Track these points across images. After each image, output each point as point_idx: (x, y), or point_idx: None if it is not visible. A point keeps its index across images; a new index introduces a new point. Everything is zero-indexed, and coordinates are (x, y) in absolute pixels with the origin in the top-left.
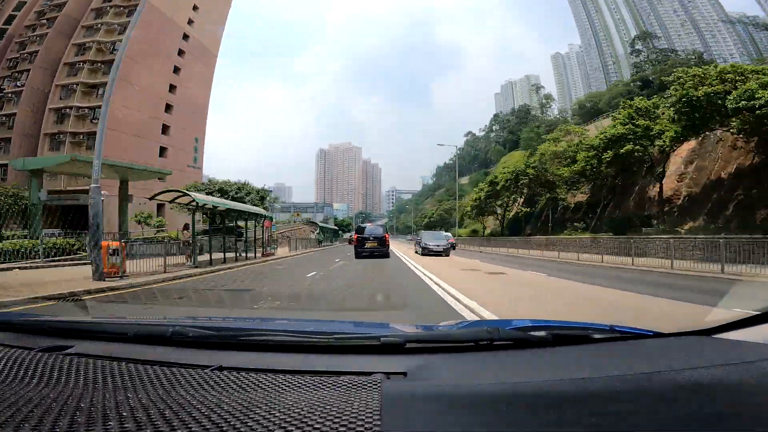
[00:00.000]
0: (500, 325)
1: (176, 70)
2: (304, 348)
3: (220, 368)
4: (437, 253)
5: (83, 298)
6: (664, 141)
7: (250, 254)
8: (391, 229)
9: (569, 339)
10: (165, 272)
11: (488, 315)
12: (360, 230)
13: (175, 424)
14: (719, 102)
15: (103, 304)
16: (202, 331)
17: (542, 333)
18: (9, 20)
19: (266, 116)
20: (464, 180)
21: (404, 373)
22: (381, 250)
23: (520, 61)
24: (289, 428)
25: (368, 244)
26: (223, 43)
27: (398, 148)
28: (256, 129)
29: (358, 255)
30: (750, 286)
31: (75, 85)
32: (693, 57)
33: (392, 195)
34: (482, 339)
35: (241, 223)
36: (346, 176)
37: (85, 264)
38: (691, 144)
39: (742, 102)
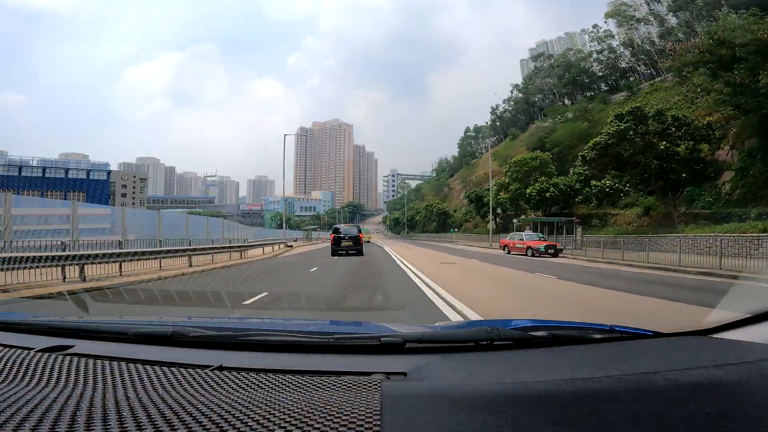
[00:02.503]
0: (500, 325)
1: None
2: (304, 348)
3: (221, 368)
4: None
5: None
6: None
7: None
8: (396, 224)
9: (569, 339)
10: None
11: None
12: (336, 231)
13: (175, 423)
14: None
15: (104, 304)
16: (203, 330)
17: (542, 333)
18: None
19: (255, 110)
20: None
21: (404, 373)
22: (355, 248)
23: (524, 43)
24: (289, 428)
25: (343, 243)
26: (214, 36)
27: (396, 142)
28: (244, 123)
29: (334, 252)
30: (749, 286)
31: None
32: None
33: (393, 181)
34: (482, 339)
35: None
36: (333, 160)
37: None
38: None
39: None
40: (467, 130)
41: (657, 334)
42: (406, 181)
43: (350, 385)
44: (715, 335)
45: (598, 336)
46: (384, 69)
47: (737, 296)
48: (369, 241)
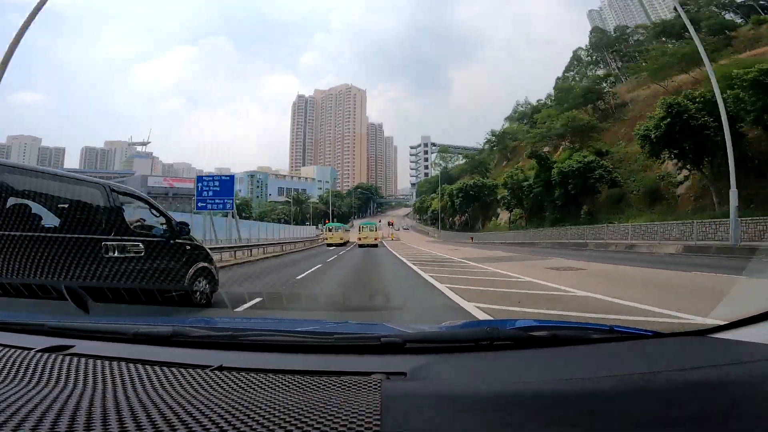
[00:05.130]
0: (500, 324)
1: None
2: (304, 348)
3: (221, 368)
4: None
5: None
6: None
7: None
8: (463, 206)
9: (569, 339)
10: None
11: None
12: None
13: (175, 424)
14: None
15: (104, 304)
16: (202, 331)
17: (542, 333)
18: None
19: (266, 108)
20: None
21: (404, 373)
22: None
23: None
24: (289, 428)
25: None
26: (223, 32)
27: (416, 137)
28: (254, 121)
29: None
30: (750, 285)
31: None
32: None
33: (424, 153)
34: (482, 339)
35: None
36: (341, 134)
37: None
38: None
39: None
40: (595, 29)
41: (657, 334)
42: (448, 155)
43: (350, 385)
44: (715, 335)
45: (598, 336)
46: (404, 61)
47: (737, 296)
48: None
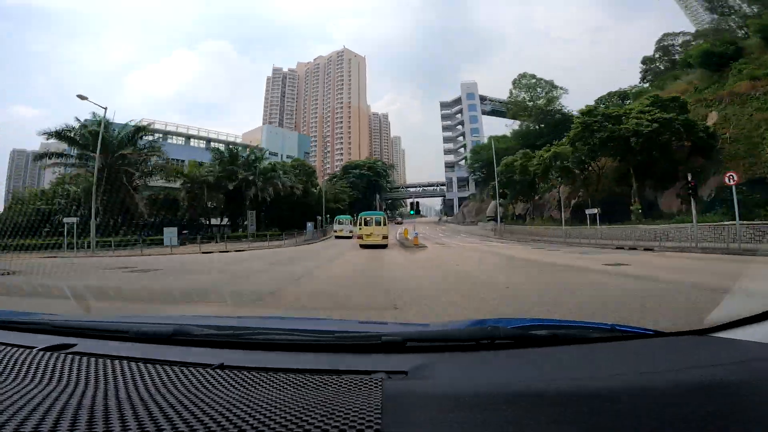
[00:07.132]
0: (501, 323)
1: None
2: (305, 347)
3: (222, 367)
4: None
5: None
6: None
7: None
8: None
9: (569, 338)
10: None
11: None
12: None
13: (176, 422)
14: None
15: (105, 302)
16: (204, 329)
17: (543, 332)
18: None
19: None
20: None
21: (405, 372)
22: None
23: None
24: (290, 426)
25: None
26: (223, 37)
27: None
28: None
29: None
30: (751, 285)
31: None
32: None
33: (463, 116)
34: (483, 338)
35: None
36: (331, 109)
37: None
38: None
39: None
40: None
41: (658, 334)
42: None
43: (351, 383)
44: (716, 335)
45: (598, 335)
46: (412, 70)
47: (738, 296)
48: None
